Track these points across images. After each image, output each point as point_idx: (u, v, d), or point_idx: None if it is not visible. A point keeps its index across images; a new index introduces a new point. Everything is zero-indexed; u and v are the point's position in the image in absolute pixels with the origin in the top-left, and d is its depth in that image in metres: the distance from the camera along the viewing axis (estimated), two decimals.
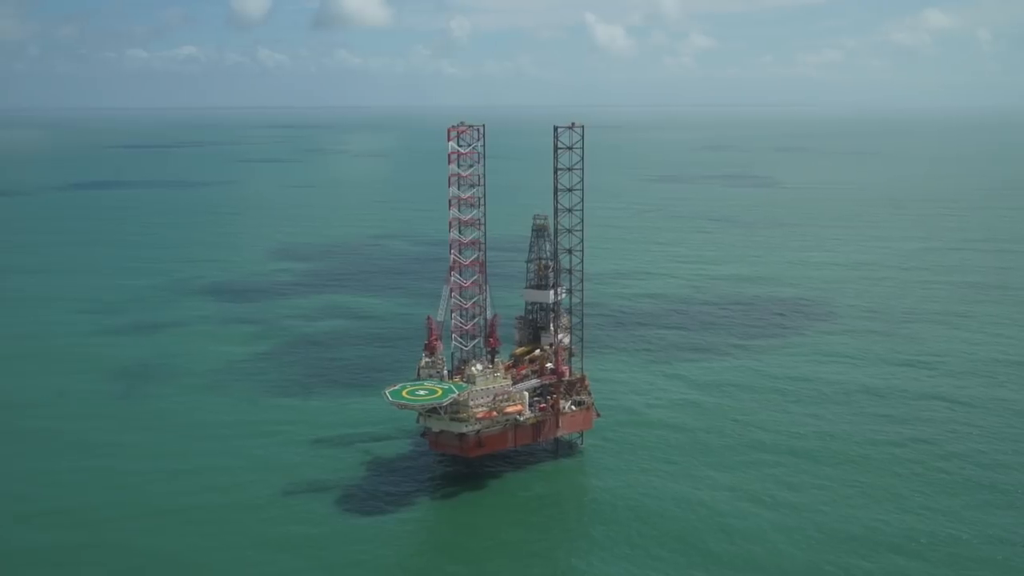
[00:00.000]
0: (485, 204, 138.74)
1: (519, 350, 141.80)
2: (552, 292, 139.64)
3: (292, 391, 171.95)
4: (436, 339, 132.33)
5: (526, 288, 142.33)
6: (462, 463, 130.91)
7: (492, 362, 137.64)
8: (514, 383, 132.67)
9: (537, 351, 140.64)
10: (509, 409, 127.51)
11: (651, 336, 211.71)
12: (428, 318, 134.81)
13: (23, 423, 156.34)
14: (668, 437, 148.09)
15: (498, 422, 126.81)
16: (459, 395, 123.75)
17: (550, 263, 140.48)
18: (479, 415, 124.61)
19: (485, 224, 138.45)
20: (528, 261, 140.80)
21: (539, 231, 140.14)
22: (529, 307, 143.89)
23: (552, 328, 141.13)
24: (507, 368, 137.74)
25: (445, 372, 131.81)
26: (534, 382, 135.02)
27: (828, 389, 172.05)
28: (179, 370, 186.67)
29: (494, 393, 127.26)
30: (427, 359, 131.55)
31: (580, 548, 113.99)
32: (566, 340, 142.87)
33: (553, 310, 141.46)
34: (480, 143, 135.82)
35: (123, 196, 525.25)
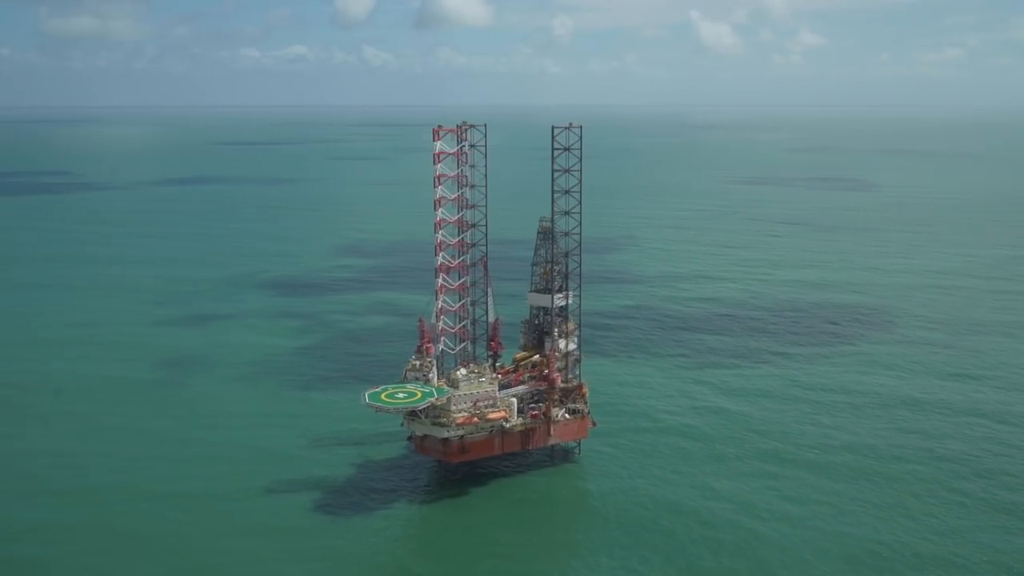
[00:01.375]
0: (487, 205, 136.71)
1: (519, 355, 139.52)
2: (550, 296, 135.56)
3: (317, 385, 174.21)
4: (428, 341, 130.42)
5: (531, 292, 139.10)
6: (451, 468, 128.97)
7: (494, 366, 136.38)
8: (502, 388, 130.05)
9: (536, 356, 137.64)
10: (492, 415, 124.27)
11: (691, 340, 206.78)
12: (420, 320, 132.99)
13: (62, 407, 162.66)
14: (680, 444, 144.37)
15: (483, 428, 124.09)
16: (437, 399, 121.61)
17: (556, 266, 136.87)
18: (459, 420, 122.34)
19: (487, 225, 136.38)
20: (534, 264, 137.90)
21: (545, 234, 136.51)
22: (534, 311, 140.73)
23: (554, 333, 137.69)
24: (505, 373, 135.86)
25: (433, 375, 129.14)
26: (521, 388, 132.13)
27: (866, 401, 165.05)
28: (218, 361, 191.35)
29: (475, 399, 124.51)
30: (415, 361, 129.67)
31: (557, 553, 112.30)
32: (572, 346, 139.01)
33: (558, 315, 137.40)
34: (467, 143, 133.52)
35: (212, 191, 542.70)
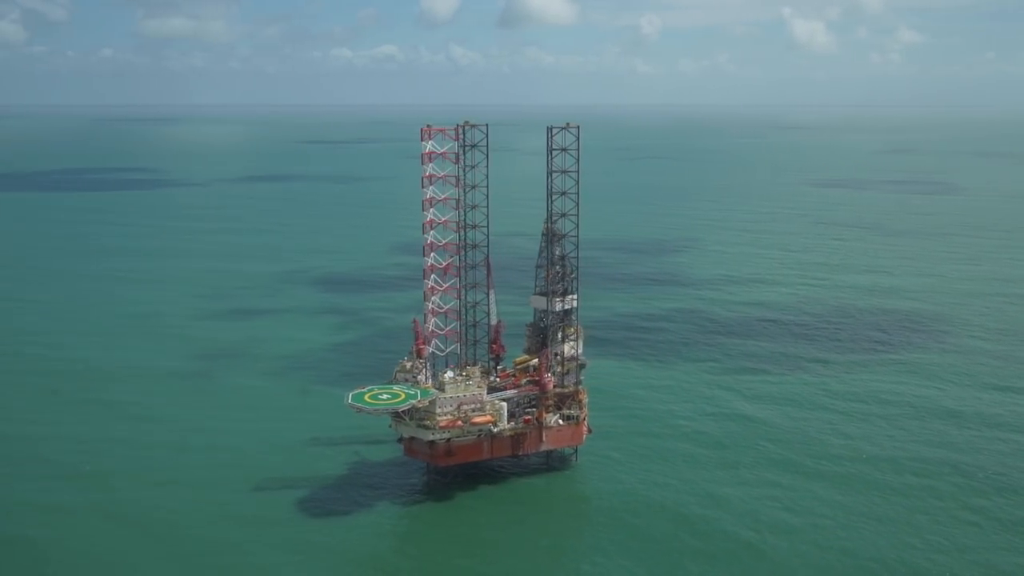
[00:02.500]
0: (489, 206, 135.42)
1: (519, 359, 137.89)
2: (546, 299, 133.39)
3: (343, 382, 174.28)
4: (423, 343, 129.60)
5: (534, 295, 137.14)
6: (440, 470, 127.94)
7: (495, 369, 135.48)
8: (493, 392, 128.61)
9: (534, 360, 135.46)
10: (477, 419, 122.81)
11: (728, 345, 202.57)
12: (414, 321, 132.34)
13: (97, 394, 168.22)
14: (691, 450, 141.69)
15: (470, 432, 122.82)
16: (419, 402, 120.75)
17: (559, 269, 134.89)
18: (443, 423, 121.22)
19: (489, 227, 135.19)
20: (538, 267, 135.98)
21: (549, 235, 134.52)
22: (538, 315, 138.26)
23: (552, 337, 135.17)
24: (505, 376, 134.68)
25: (423, 377, 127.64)
26: (511, 392, 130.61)
27: (898, 412, 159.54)
28: (253, 354, 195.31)
29: (459, 402, 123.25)
30: (406, 363, 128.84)
31: (536, 555, 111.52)
32: (577, 351, 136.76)
33: (561, 318, 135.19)
34: (458, 143, 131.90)
35: (285, 189, 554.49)
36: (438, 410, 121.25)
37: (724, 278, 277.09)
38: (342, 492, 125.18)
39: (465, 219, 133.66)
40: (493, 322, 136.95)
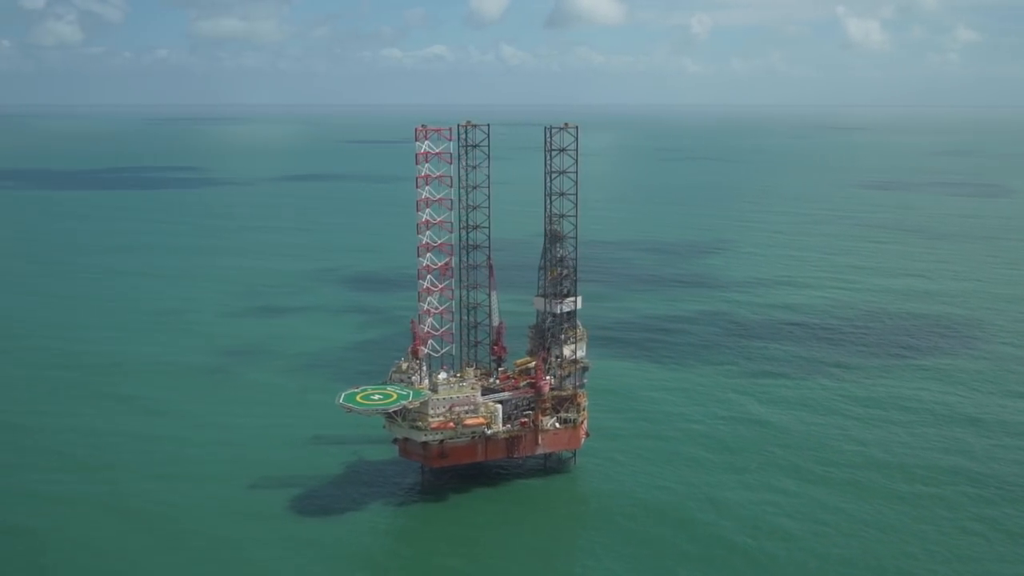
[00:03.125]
0: (490, 206, 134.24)
1: (520, 361, 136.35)
2: (557, 301, 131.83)
3: (361, 380, 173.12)
4: (419, 344, 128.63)
5: (536, 296, 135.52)
6: (435, 472, 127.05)
7: (497, 371, 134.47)
8: (488, 394, 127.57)
9: (534, 363, 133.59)
10: (470, 421, 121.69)
11: (751, 348, 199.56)
12: (412, 322, 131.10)
13: (113, 388, 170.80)
14: (698, 454, 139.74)
15: (464, 434, 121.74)
16: (410, 403, 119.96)
17: (564, 271, 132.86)
18: (434, 425, 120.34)
19: (491, 227, 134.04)
20: (540, 268, 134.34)
21: (552, 236, 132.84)
22: (541, 316, 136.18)
23: (548, 339, 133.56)
24: (505, 378, 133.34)
25: (418, 378, 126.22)
26: (505, 395, 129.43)
27: (917, 418, 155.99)
28: (276, 351, 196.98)
29: (451, 403, 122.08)
30: (403, 363, 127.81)
31: (525, 555, 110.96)
32: (579, 353, 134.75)
33: (564, 320, 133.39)
34: (451, 143, 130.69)
35: (326, 188, 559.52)
36: (430, 411, 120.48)
37: (754, 280, 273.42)
38: (340, 490, 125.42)
39: (468, 219, 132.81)
40: (495, 323, 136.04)
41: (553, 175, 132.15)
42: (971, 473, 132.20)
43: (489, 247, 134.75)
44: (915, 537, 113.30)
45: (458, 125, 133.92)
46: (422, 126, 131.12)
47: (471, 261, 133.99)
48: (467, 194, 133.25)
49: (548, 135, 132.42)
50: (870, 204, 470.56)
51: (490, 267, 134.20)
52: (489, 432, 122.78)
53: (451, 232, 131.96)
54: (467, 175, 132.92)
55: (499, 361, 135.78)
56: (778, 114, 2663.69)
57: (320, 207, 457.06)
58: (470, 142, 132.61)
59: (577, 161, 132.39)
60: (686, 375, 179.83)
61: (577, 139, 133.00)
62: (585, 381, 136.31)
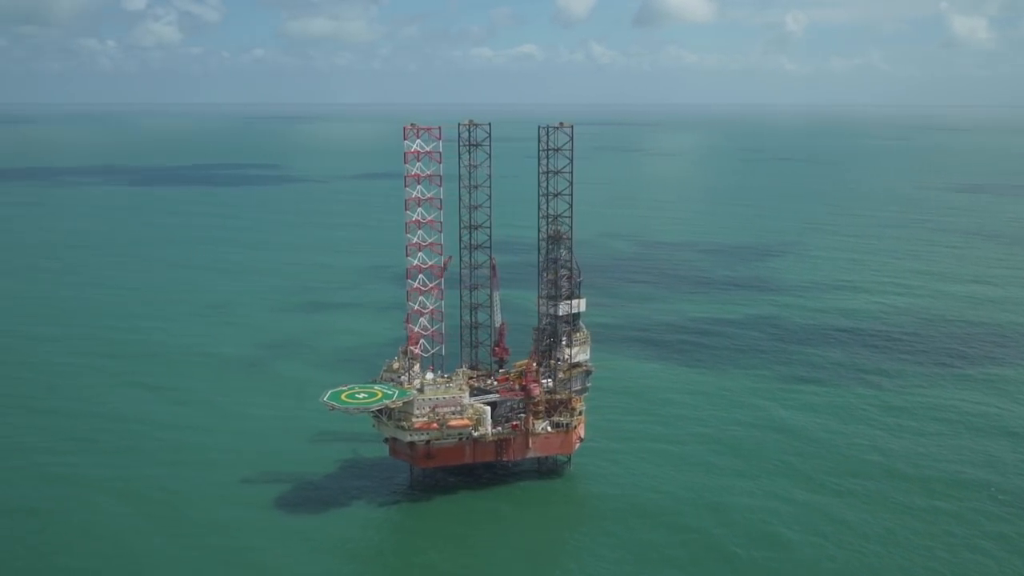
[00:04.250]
0: (491, 206, 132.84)
1: (519, 363, 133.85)
2: (542, 302, 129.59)
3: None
4: (411, 343, 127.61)
5: (539, 298, 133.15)
6: (423, 472, 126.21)
7: (497, 372, 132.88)
8: (475, 394, 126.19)
9: (532, 365, 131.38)
10: (454, 422, 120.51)
11: (792, 352, 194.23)
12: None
13: (149, 377, 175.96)
14: (709, 458, 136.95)
15: (450, 435, 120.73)
16: (392, 402, 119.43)
17: (565, 272, 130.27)
18: (418, 425, 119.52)
19: (491, 227, 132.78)
20: (543, 270, 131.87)
21: (555, 238, 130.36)
22: (544, 318, 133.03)
23: (559, 342, 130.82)
24: (503, 380, 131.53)
25: (407, 378, 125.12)
26: (493, 396, 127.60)
27: (951, 429, 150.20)
28: (316, 346, 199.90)
29: (435, 404, 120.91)
30: (394, 363, 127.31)
31: (507, 551, 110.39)
32: (582, 357, 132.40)
33: (567, 323, 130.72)
34: (440, 142, 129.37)
35: (394, 186, 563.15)
36: (415, 411, 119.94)
37: (812, 284, 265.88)
38: (338, 483, 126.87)
39: (472, 219, 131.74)
40: (496, 324, 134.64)
41: (549, 175, 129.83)
42: (995, 487, 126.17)
43: (490, 247, 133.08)
44: (919, 553, 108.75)
45: (459, 124, 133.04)
46: (411, 125, 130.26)
47: (473, 261, 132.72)
48: (470, 194, 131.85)
49: (540, 135, 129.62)
50: (953, 208, 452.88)
51: (492, 267, 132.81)
52: (476, 434, 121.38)
53: (440, 232, 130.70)
54: (471, 174, 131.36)
55: (501, 362, 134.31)
56: (880, 114, 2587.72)
57: (385, 204, 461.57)
58: (472, 141, 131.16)
59: (572, 161, 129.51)
60: (714, 379, 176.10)
61: (572, 139, 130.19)
62: (588, 385, 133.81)
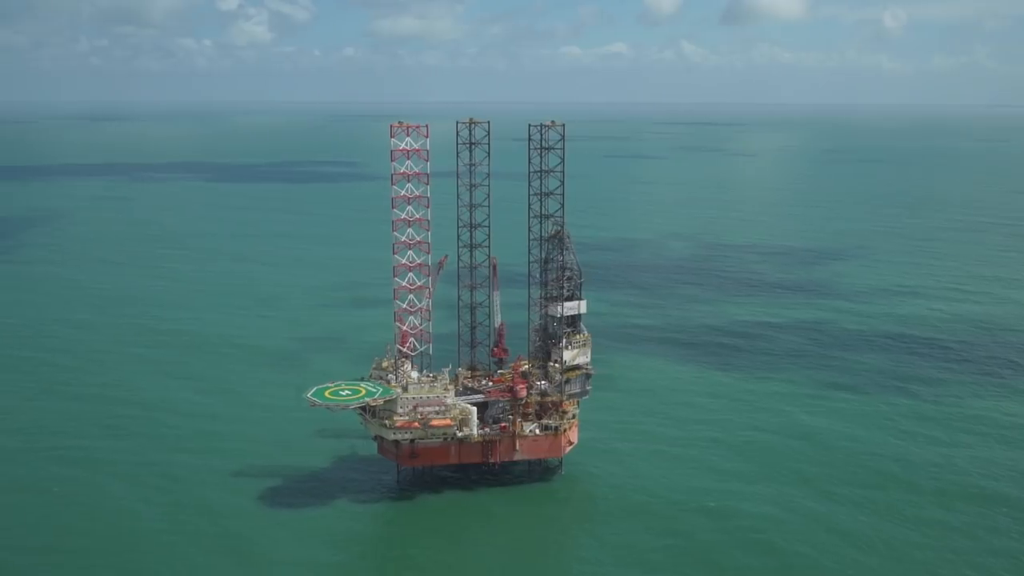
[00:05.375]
0: (490, 205, 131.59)
1: (515, 364, 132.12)
2: (558, 304, 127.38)
3: None
4: (400, 342, 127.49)
5: (537, 298, 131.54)
6: (408, 471, 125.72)
7: (496, 372, 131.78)
8: (459, 395, 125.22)
9: (526, 366, 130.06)
10: (436, 422, 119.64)
11: (830, 358, 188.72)
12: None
13: (183, 366, 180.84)
14: (715, 462, 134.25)
15: (433, 434, 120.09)
16: (373, 400, 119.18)
17: (566, 273, 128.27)
18: (399, 424, 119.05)
19: (490, 227, 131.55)
20: (544, 271, 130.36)
21: (556, 239, 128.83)
22: (544, 319, 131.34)
23: (557, 344, 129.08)
24: (498, 381, 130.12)
25: (395, 376, 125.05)
26: (478, 397, 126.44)
27: (984, 441, 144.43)
28: (354, 340, 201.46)
29: (417, 403, 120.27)
30: (384, 361, 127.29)
31: (484, 549, 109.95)
32: (582, 359, 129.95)
33: (567, 324, 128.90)
34: (428, 140, 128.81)
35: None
36: (399, 410, 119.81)
37: (870, 289, 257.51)
38: (331, 476, 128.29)
39: (473, 218, 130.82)
40: (496, 324, 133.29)
41: (541, 174, 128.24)
42: (1017, 503, 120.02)
43: (489, 246, 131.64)
44: (916, 567, 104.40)
45: (457, 122, 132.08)
46: (399, 122, 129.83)
47: (472, 260, 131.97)
48: (469, 192, 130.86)
49: (539, 133, 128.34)
50: None
51: (493, 267, 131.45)
52: (460, 435, 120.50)
53: (428, 230, 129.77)
54: (473, 173, 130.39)
55: (500, 363, 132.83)
56: (977, 114, 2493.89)
57: (447, 202, 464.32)
58: (473, 140, 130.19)
59: (564, 160, 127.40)
60: (740, 382, 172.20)
61: (564, 137, 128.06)
62: (589, 388, 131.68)
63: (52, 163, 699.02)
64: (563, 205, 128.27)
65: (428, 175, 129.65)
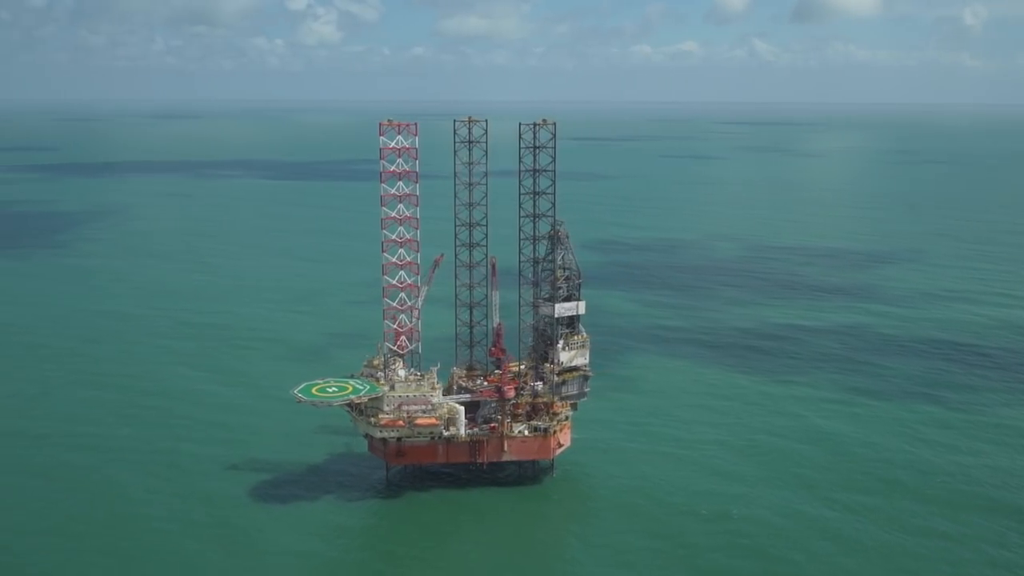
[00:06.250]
0: (488, 204, 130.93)
1: (504, 365, 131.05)
2: (553, 304, 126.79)
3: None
4: (388, 341, 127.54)
5: (539, 299, 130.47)
6: (396, 469, 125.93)
7: (495, 373, 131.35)
8: (447, 394, 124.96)
9: (520, 366, 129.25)
10: (421, 421, 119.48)
11: (860, 363, 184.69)
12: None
13: (211, 359, 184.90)
14: (719, 465, 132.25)
15: (420, 433, 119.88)
16: (358, 398, 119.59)
17: (563, 273, 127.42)
18: (384, 422, 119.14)
19: (488, 226, 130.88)
20: (543, 271, 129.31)
21: (554, 239, 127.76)
22: (542, 320, 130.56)
23: (554, 344, 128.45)
24: (493, 381, 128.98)
25: (384, 374, 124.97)
26: (465, 397, 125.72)
27: (1006, 451, 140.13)
28: (375, 339, 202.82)
29: (401, 401, 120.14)
30: (375, 359, 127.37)
31: (464, 549, 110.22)
32: (580, 361, 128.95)
33: (564, 325, 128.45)
34: (416, 138, 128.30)
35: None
36: (385, 408, 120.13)
37: (916, 293, 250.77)
38: (327, 470, 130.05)
39: (471, 218, 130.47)
40: (494, 324, 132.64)
41: (530, 173, 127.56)
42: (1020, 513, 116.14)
43: (487, 246, 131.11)
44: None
45: (455, 120, 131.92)
46: (388, 121, 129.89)
47: (464, 259, 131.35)
48: (469, 191, 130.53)
49: (534, 132, 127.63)
50: None
51: (492, 267, 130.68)
52: (447, 434, 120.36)
53: (417, 228, 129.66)
54: (471, 172, 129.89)
55: (498, 363, 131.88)
56: None
57: (497, 201, 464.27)
58: (471, 139, 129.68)
59: (555, 159, 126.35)
60: (761, 385, 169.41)
61: (555, 136, 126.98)
62: (586, 391, 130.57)
63: (123, 160, 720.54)
64: (554, 204, 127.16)
65: (417, 173, 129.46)
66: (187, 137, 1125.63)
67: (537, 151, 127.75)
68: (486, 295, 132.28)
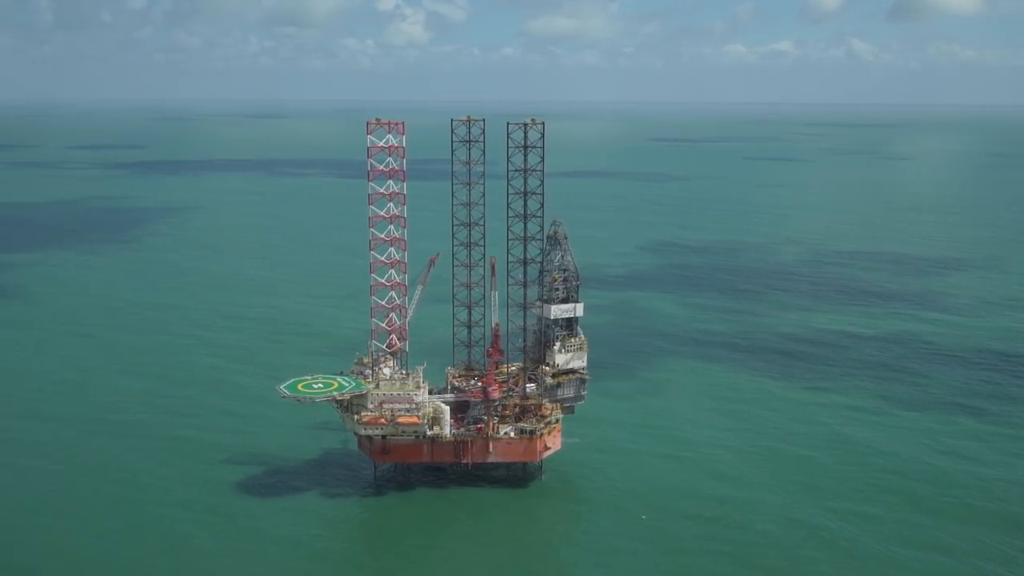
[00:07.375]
0: (485, 204, 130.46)
1: (489, 366, 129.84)
2: (549, 306, 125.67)
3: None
4: (382, 340, 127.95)
5: (538, 300, 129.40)
6: (382, 467, 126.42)
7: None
8: (431, 393, 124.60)
9: (513, 368, 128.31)
10: (403, 419, 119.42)
11: (903, 370, 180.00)
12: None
13: (232, 351, 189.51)
14: (720, 469, 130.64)
15: (405, 431, 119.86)
16: (341, 395, 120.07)
17: (561, 274, 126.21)
18: (366, 419, 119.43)
19: (485, 225, 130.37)
20: (541, 272, 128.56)
21: (552, 239, 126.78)
22: (540, 321, 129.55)
23: (550, 346, 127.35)
24: (484, 382, 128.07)
25: (371, 372, 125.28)
26: (449, 396, 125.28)
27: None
28: (415, 337, 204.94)
29: (383, 399, 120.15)
30: (365, 358, 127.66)
31: (448, 548, 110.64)
32: (577, 363, 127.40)
33: (562, 327, 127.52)
34: (404, 137, 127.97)
35: (598, 184, 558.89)
36: (369, 405, 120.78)
37: (981, 301, 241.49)
38: (322, 466, 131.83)
39: (471, 217, 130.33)
40: (493, 325, 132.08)
41: (519, 173, 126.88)
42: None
43: (484, 245, 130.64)
44: None
45: (452, 119, 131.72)
46: (376, 119, 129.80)
47: (464, 260, 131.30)
48: (468, 190, 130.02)
49: (521, 131, 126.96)
50: None
51: (492, 267, 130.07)
52: (430, 433, 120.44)
53: (404, 227, 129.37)
54: (471, 171, 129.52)
55: (496, 364, 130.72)
56: None
57: (577, 202, 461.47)
58: (470, 138, 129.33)
59: (543, 159, 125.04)
60: (788, 391, 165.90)
61: (544, 136, 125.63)
62: (584, 393, 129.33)
63: (205, 158, 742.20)
64: (543, 204, 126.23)
65: (405, 172, 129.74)
66: (270, 136, 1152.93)
67: (527, 151, 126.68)
68: (484, 295, 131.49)
